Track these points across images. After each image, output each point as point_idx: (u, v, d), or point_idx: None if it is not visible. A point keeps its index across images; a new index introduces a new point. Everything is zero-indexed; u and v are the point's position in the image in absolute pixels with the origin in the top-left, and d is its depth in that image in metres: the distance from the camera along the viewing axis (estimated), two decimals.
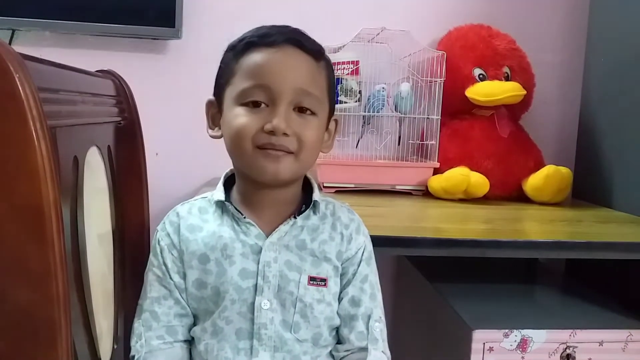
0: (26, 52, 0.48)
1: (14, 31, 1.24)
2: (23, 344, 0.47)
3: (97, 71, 0.78)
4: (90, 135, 0.68)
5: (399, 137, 1.30)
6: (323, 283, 0.68)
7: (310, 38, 0.68)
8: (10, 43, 1.24)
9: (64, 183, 0.56)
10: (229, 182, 0.73)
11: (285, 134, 0.63)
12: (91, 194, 0.67)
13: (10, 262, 0.45)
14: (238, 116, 0.65)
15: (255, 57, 0.65)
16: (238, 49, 0.66)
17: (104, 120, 0.75)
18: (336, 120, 0.73)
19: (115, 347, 0.75)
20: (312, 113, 0.66)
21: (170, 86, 1.31)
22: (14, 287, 0.46)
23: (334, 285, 0.69)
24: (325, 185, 1.22)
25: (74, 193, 0.61)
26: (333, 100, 0.71)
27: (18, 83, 0.43)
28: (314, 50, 0.67)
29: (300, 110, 0.66)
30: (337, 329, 0.71)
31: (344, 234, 0.71)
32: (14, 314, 0.46)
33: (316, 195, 0.71)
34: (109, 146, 0.76)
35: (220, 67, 0.69)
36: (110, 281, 0.77)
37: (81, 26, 1.22)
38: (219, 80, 0.69)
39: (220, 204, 0.70)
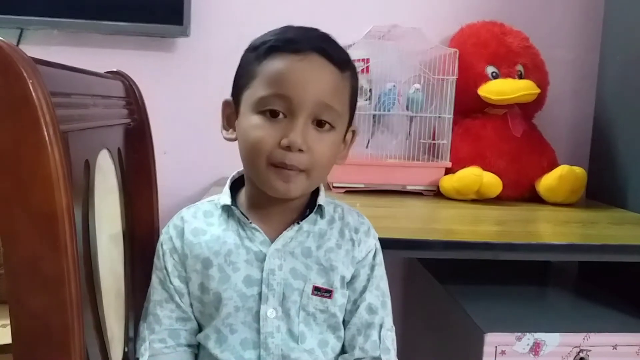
0: (34, 51, 0.48)
1: (22, 30, 1.24)
2: (37, 349, 0.46)
3: (106, 72, 0.78)
4: (101, 138, 0.68)
5: (408, 135, 1.28)
6: (328, 295, 0.66)
7: (337, 46, 0.65)
8: (18, 42, 1.24)
9: (76, 187, 0.56)
10: (236, 185, 0.71)
11: (300, 150, 0.61)
12: (102, 196, 0.67)
13: (25, 268, 0.45)
14: (254, 128, 0.62)
15: (278, 64, 0.61)
16: (260, 52, 0.63)
17: (114, 123, 0.75)
18: (354, 131, 0.71)
19: (126, 349, 0.75)
20: (331, 127, 0.64)
21: (178, 84, 1.31)
22: (28, 292, 0.46)
23: (340, 297, 0.67)
24: (334, 185, 1.21)
25: (85, 196, 0.61)
26: (354, 111, 0.69)
27: (31, 89, 0.43)
28: (341, 60, 0.64)
29: (319, 123, 0.63)
30: (347, 336, 0.69)
31: (354, 239, 0.69)
32: (28, 319, 0.46)
33: (321, 199, 0.69)
34: (119, 148, 0.76)
35: (239, 67, 0.67)
36: (122, 282, 0.76)
37: (89, 24, 1.22)
38: (238, 81, 0.66)
39: (226, 208, 0.68)
